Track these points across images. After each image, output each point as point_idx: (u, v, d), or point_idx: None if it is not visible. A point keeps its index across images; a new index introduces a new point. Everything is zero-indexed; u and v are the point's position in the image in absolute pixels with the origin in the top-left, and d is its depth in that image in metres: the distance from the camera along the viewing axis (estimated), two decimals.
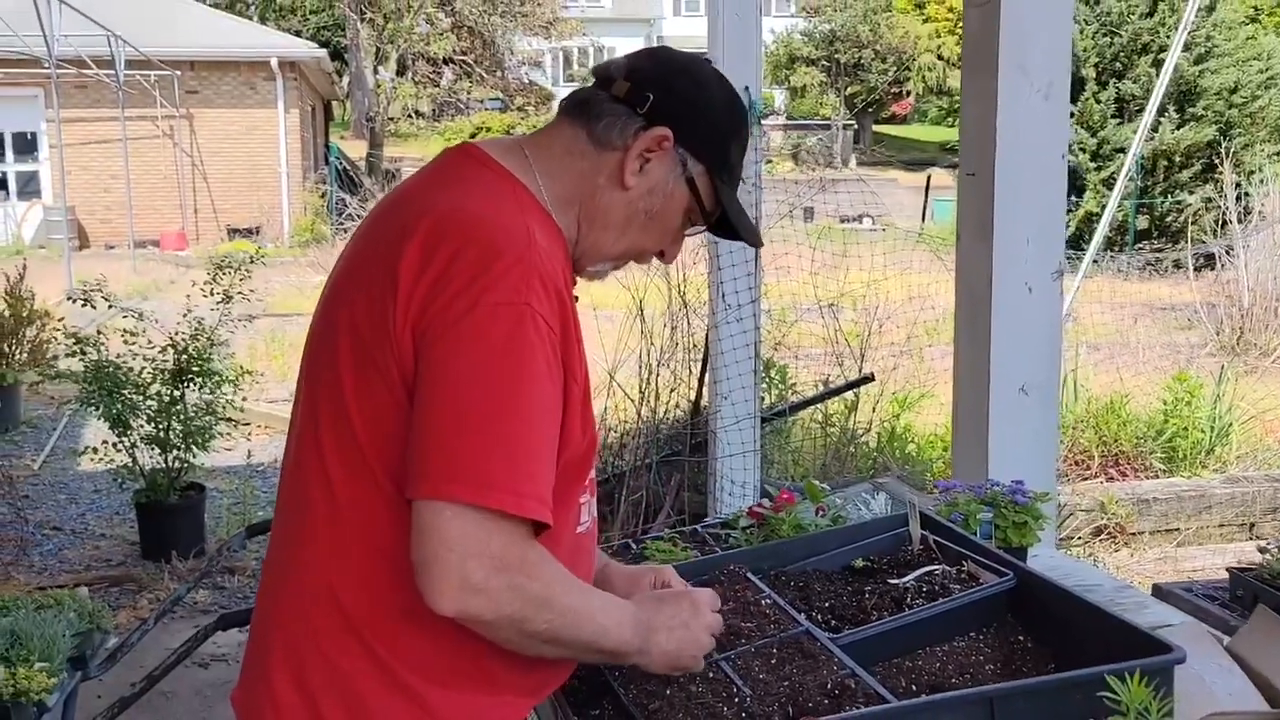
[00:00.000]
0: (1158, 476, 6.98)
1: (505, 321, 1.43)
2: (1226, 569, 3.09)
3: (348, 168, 25.68)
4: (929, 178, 27.68)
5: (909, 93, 41.86)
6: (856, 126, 40.42)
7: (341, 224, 21.77)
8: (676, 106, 1.62)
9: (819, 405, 6.38)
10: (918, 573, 2.21)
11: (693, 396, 6.00)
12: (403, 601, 1.52)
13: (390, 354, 1.48)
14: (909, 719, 1.65)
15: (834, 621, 2.08)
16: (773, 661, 1.95)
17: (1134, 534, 6.34)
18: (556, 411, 1.51)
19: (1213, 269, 14.41)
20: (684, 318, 5.96)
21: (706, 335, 5.75)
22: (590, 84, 1.69)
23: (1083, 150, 22.29)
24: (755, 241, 1.77)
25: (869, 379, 5.84)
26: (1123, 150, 19.18)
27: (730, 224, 1.72)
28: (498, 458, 1.41)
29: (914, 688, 1.90)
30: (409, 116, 31.77)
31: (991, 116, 3.12)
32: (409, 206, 1.58)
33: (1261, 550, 3.03)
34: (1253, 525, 6.59)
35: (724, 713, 1.79)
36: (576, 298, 1.69)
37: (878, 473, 6.14)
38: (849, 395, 6.58)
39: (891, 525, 2.40)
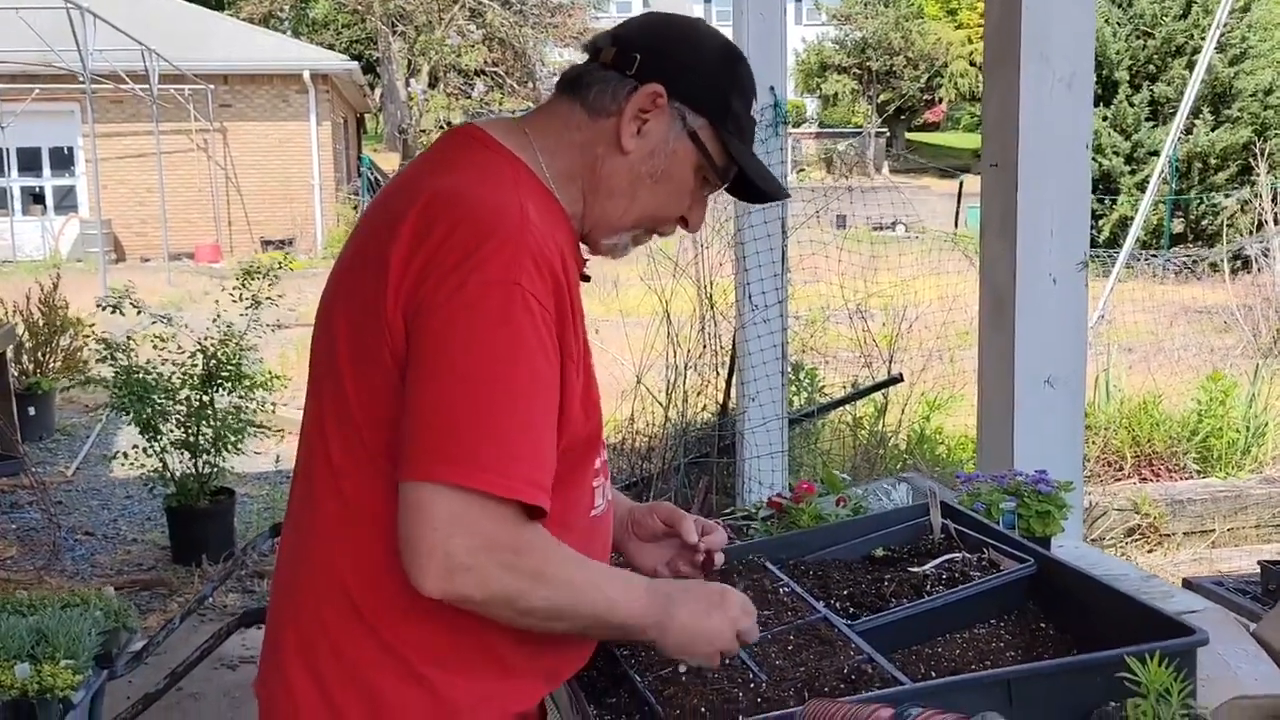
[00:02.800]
0: (1192, 477, 6.89)
1: (495, 300, 1.41)
2: (1258, 562, 3.05)
3: (380, 179, 25.86)
4: (961, 184, 27.50)
5: (941, 99, 41.68)
6: (889, 134, 40.29)
7: None
8: (665, 61, 1.58)
9: (849, 407, 6.34)
10: (938, 560, 2.18)
11: (720, 399, 5.98)
12: (412, 590, 1.52)
13: (383, 338, 1.47)
14: (926, 701, 1.62)
15: (852, 609, 2.06)
16: (789, 648, 1.93)
17: (1167, 535, 6.25)
18: (552, 391, 1.48)
19: (1249, 271, 14.23)
20: (711, 320, 5.94)
21: (734, 337, 5.73)
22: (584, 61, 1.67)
23: (1116, 154, 22.10)
24: (778, 193, 1.70)
25: (897, 380, 5.80)
26: (1157, 153, 19.01)
27: (748, 180, 1.66)
28: (487, 438, 1.39)
29: (933, 673, 1.87)
30: (441, 128, 31.92)
31: (1014, 107, 3.10)
32: (405, 191, 1.57)
33: None
34: None
35: (739, 698, 1.77)
36: (588, 276, 1.67)
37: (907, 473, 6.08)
38: (878, 397, 6.54)
39: (912, 515, 2.38)
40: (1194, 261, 14.41)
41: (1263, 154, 14.71)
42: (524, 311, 1.42)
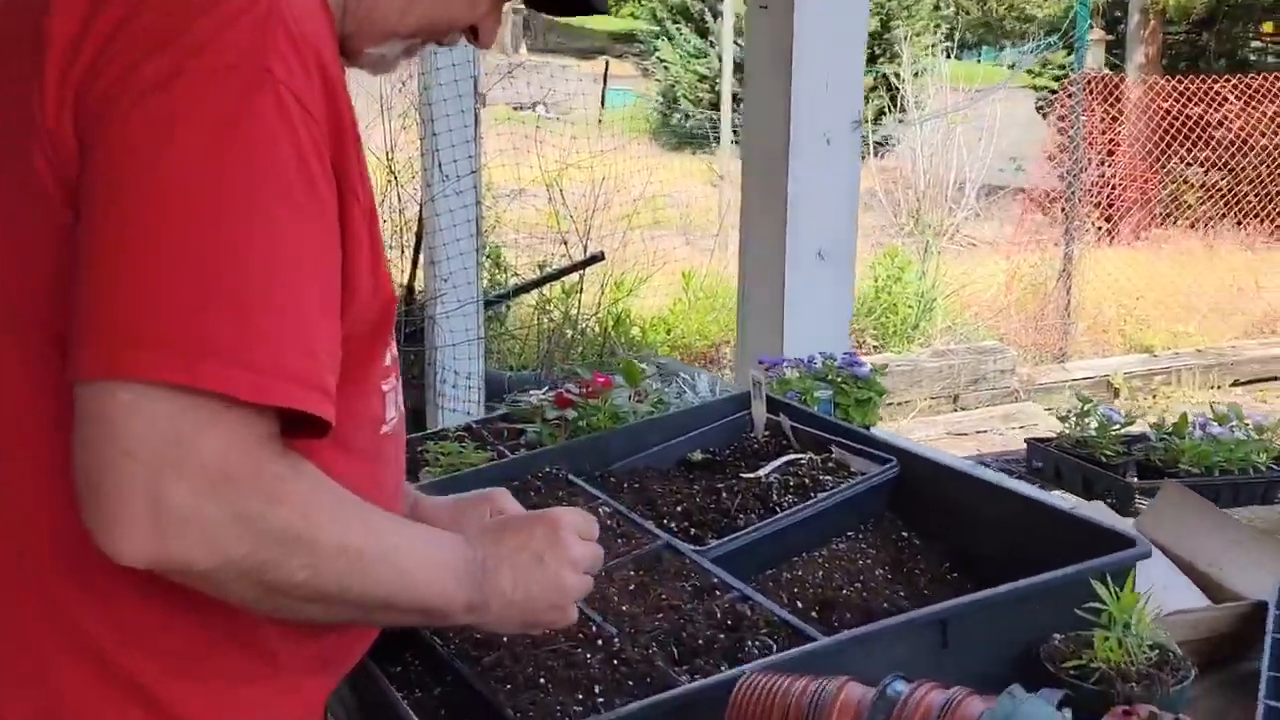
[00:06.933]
0: (870, 353, 7.06)
1: (228, 94, 0.90)
2: (1025, 440, 2.95)
3: None
4: (607, 64, 27.49)
5: None
6: (527, 13, 39.69)
7: None
8: None
9: (538, 290, 5.95)
10: (776, 463, 1.83)
11: (406, 281, 5.42)
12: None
13: (40, 152, 0.93)
14: (854, 654, 1.26)
15: (693, 530, 1.68)
16: (632, 588, 1.54)
17: None
18: (326, 241, 0.97)
19: (879, 157, 14.96)
20: (393, 192, 5.33)
21: (420, 211, 5.17)
22: None
23: None
24: (593, 5, 1.28)
25: (599, 258, 5.45)
26: None
27: None
28: (219, 307, 0.88)
29: (799, 604, 1.54)
30: None
31: None
32: None
33: (1061, 419, 2.89)
34: (956, 397, 6.78)
35: (590, 663, 1.35)
36: None
37: (604, 359, 5.80)
38: (566, 280, 6.20)
39: (728, 410, 2.02)
40: None
41: (890, 43, 15.37)
42: (275, 113, 0.91)
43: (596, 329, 6.05)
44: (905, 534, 1.74)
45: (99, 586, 0.98)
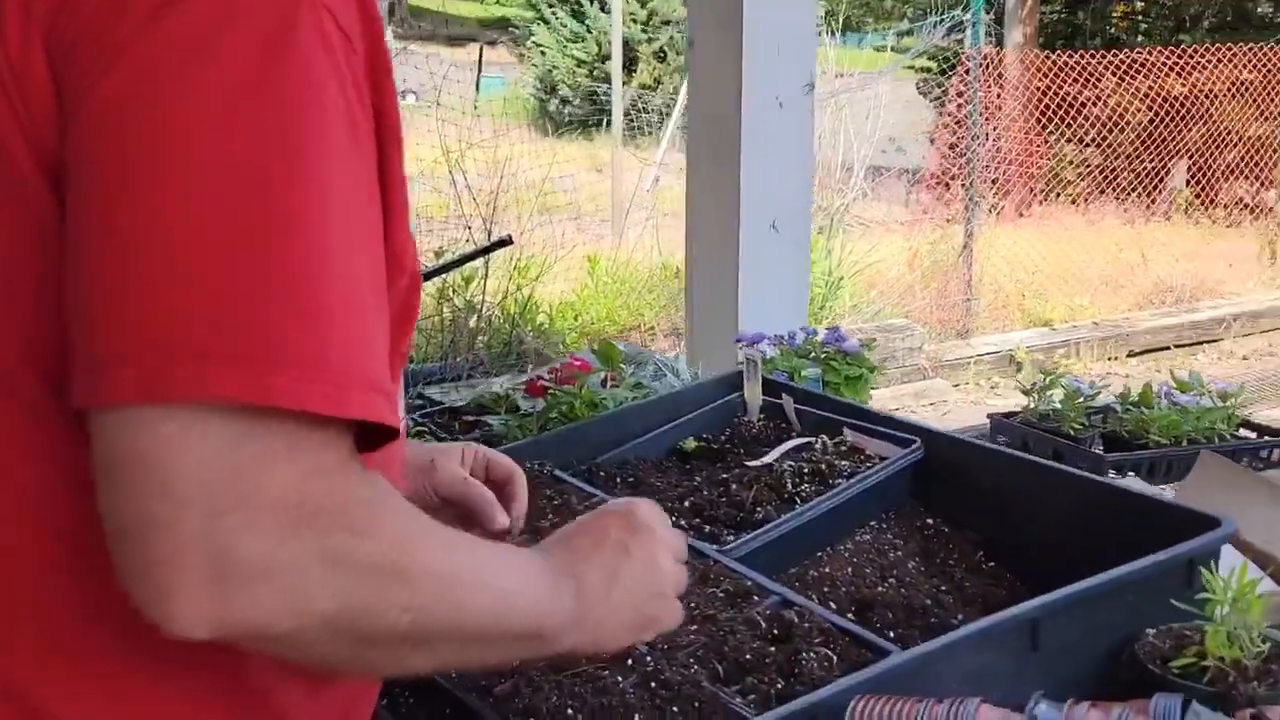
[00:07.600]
0: None
1: (264, 18, 0.70)
2: (988, 416, 2.83)
3: None
4: (481, 50, 27.07)
5: None
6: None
7: None
8: None
9: (441, 277, 5.69)
10: (784, 449, 1.67)
11: None
12: (76, 599, 0.76)
13: (5, 104, 0.70)
14: (939, 664, 1.09)
15: (707, 527, 1.50)
16: None
17: None
18: (372, 199, 0.76)
19: None
20: None
21: None
22: None
23: (634, 21, 22.51)
24: None
25: (508, 242, 5.19)
26: (674, 22, 19.52)
27: None
28: (281, 302, 0.68)
29: (834, 604, 1.38)
30: None
31: None
32: None
33: (1025, 393, 2.79)
34: None
35: (623, 687, 1.17)
36: None
37: (513, 348, 5.57)
38: (468, 267, 5.95)
39: (717, 393, 1.84)
40: None
41: None
42: (321, 45, 0.71)
43: (501, 317, 5.82)
44: (930, 521, 1.59)
45: (52, 642, 0.76)
